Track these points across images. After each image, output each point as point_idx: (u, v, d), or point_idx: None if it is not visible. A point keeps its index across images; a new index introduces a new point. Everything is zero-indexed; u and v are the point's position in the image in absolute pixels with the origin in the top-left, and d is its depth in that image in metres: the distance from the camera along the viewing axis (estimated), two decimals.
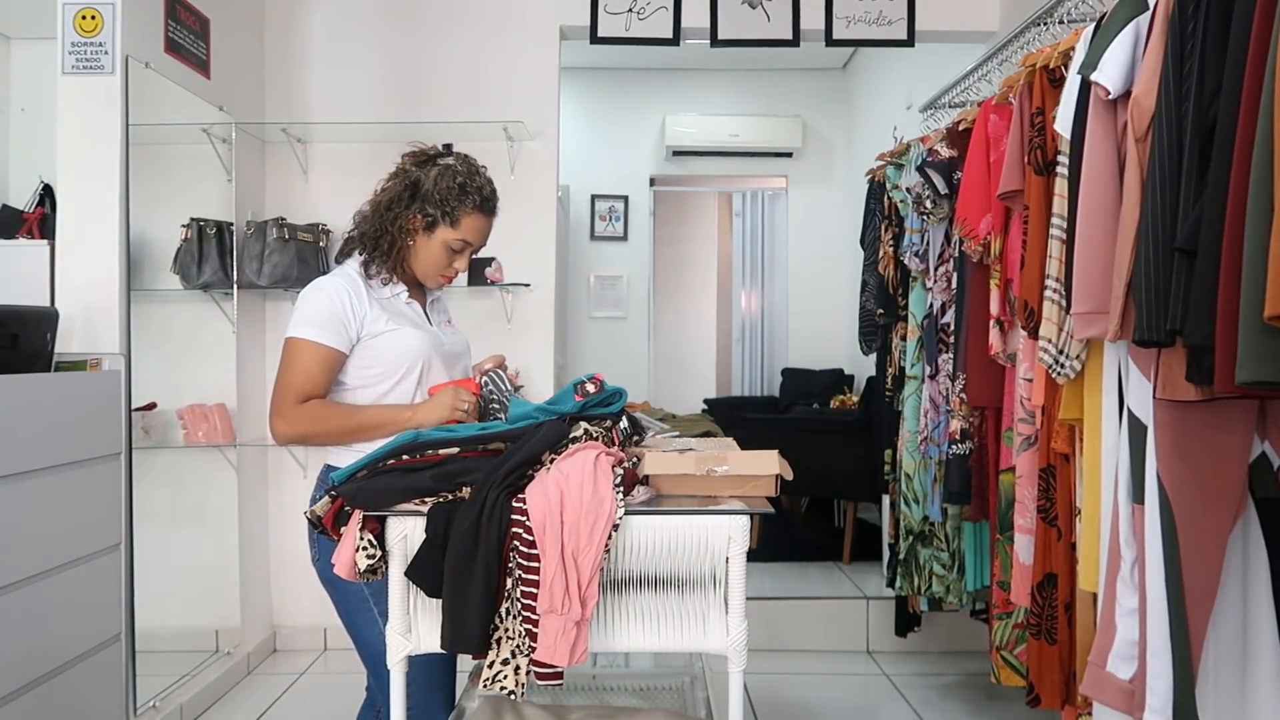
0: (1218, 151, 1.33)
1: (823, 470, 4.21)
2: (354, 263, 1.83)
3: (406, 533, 1.44)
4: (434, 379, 1.83)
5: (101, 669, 2.34)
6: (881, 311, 3.22)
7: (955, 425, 2.53)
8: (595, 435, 1.54)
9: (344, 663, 3.21)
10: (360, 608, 1.72)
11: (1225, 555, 1.46)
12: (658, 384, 6.33)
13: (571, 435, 1.52)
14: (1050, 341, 1.85)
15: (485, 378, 1.79)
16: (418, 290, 1.91)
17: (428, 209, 1.77)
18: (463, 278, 3.39)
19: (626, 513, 1.41)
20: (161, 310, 2.96)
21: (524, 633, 1.37)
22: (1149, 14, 1.58)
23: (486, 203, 1.82)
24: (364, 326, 1.75)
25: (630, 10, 3.44)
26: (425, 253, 1.81)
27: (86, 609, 2.29)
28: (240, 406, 3.16)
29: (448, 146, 1.86)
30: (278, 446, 3.40)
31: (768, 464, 1.55)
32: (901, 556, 2.98)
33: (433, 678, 1.75)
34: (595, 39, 3.46)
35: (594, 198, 6.22)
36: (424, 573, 1.41)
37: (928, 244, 2.80)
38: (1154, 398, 1.52)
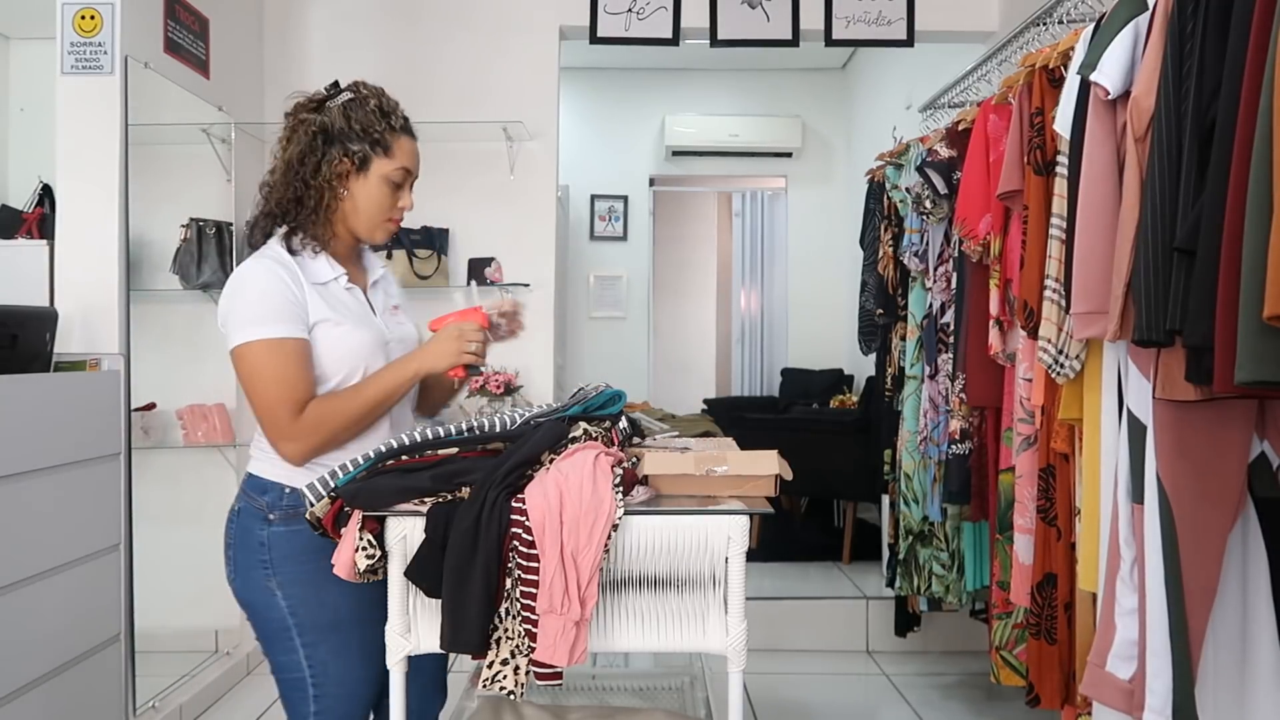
0: (1217, 151, 1.33)
1: (823, 470, 4.21)
2: (274, 243, 1.56)
3: (406, 533, 1.44)
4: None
5: (101, 669, 2.34)
6: (881, 311, 3.22)
7: (955, 425, 2.53)
8: (595, 435, 1.54)
9: None
10: (280, 636, 1.55)
11: (1225, 555, 1.46)
12: (657, 384, 6.32)
13: (571, 435, 1.52)
14: (1050, 341, 1.85)
15: (500, 319, 1.63)
16: (358, 272, 1.66)
17: (351, 146, 1.54)
18: (462, 276, 3.40)
19: (626, 513, 1.41)
20: (161, 310, 2.96)
21: (523, 633, 1.37)
22: (1148, 14, 1.58)
23: (407, 123, 1.61)
24: (309, 314, 1.52)
25: (630, 10, 3.44)
26: (365, 197, 1.56)
27: (86, 609, 2.29)
28: (240, 407, 3.15)
29: (335, 84, 1.61)
30: None
31: (767, 464, 1.55)
32: (901, 556, 2.98)
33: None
34: (595, 39, 3.46)
35: (594, 198, 6.22)
36: (423, 573, 1.41)
37: (927, 244, 2.80)
38: (1153, 397, 1.52)
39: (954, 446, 2.53)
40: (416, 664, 1.54)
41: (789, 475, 1.57)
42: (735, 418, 4.71)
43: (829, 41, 3.46)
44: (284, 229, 1.55)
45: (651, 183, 6.31)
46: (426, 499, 1.43)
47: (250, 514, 1.56)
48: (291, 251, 1.55)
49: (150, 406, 2.81)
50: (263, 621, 1.55)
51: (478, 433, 1.55)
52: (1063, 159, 1.84)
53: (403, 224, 1.71)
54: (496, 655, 1.38)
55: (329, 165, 1.53)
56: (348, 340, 1.54)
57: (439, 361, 1.54)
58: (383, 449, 1.50)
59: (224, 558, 1.58)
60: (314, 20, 3.52)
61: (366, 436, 1.59)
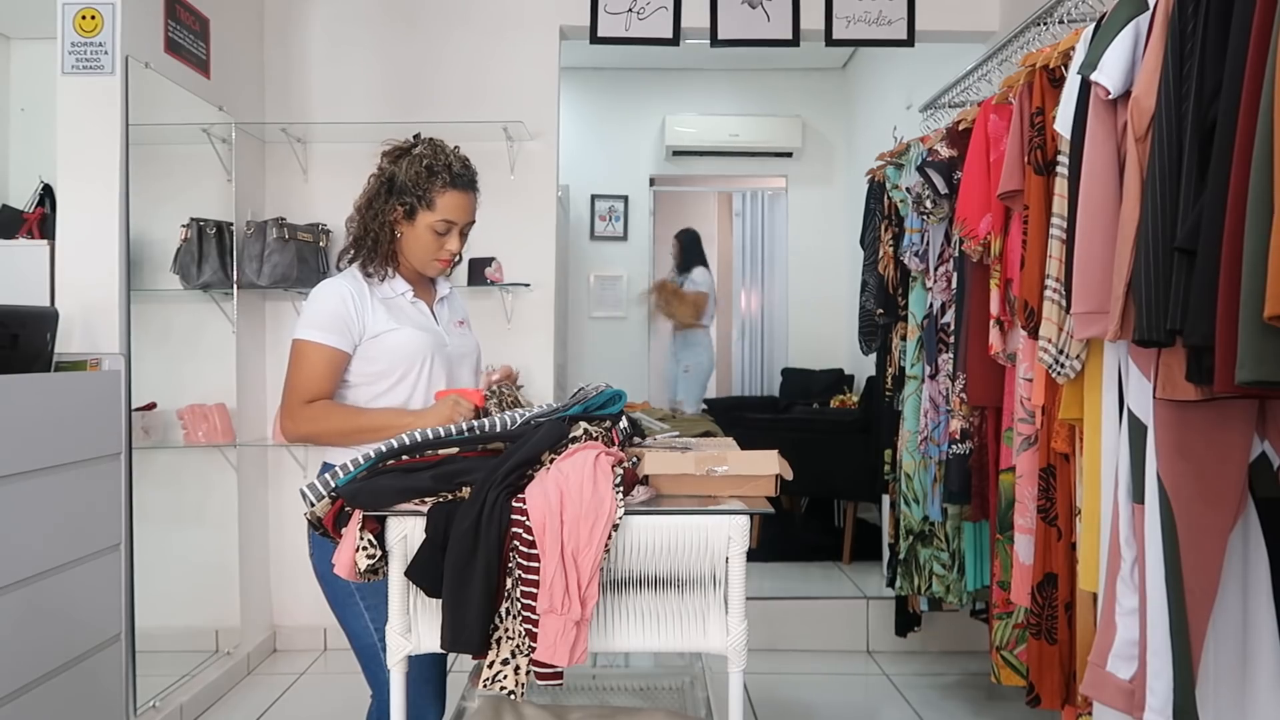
0: (1217, 151, 1.33)
1: (823, 470, 4.21)
2: (356, 266, 1.88)
3: (406, 533, 1.44)
4: (435, 380, 1.84)
5: (101, 669, 2.34)
6: (881, 311, 3.22)
7: (955, 425, 2.53)
8: (595, 435, 1.54)
9: (344, 663, 3.20)
10: (347, 601, 1.76)
11: (1225, 555, 1.46)
12: (658, 384, 6.33)
13: (571, 435, 1.52)
14: (1050, 341, 1.85)
15: (492, 396, 1.79)
16: (426, 289, 1.94)
17: (404, 198, 1.81)
18: (462, 276, 3.39)
19: (626, 513, 1.41)
20: (161, 310, 2.96)
21: (524, 633, 1.37)
22: (1149, 14, 1.58)
23: (459, 178, 1.83)
24: (366, 327, 1.79)
25: (630, 10, 3.44)
26: (413, 240, 1.84)
27: (86, 609, 2.29)
28: (240, 406, 3.16)
29: (417, 136, 1.87)
30: (278, 446, 3.40)
31: (767, 464, 1.55)
32: (901, 556, 2.98)
33: (421, 670, 1.75)
34: (595, 39, 3.46)
35: (594, 198, 6.22)
36: (424, 573, 1.41)
37: (928, 244, 2.80)
38: (1154, 397, 1.52)
39: (954, 446, 2.53)
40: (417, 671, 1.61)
41: (789, 475, 1.57)
42: (735, 418, 4.71)
43: (829, 41, 3.46)
44: (359, 258, 1.85)
45: (652, 183, 6.31)
46: (427, 499, 1.43)
47: None
48: (367, 275, 1.84)
49: (151, 406, 2.81)
50: (332, 590, 1.75)
51: (478, 432, 1.55)
52: (1063, 159, 1.84)
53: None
54: (497, 655, 1.38)
55: (386, 212, 1.82)
56: (405, 342, 1.81)
57: (430, 425, 1.70)
58: (382, 449, 1.50)
59: (307, 537, 1.77)
60: (314, 20, 3.52)
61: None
